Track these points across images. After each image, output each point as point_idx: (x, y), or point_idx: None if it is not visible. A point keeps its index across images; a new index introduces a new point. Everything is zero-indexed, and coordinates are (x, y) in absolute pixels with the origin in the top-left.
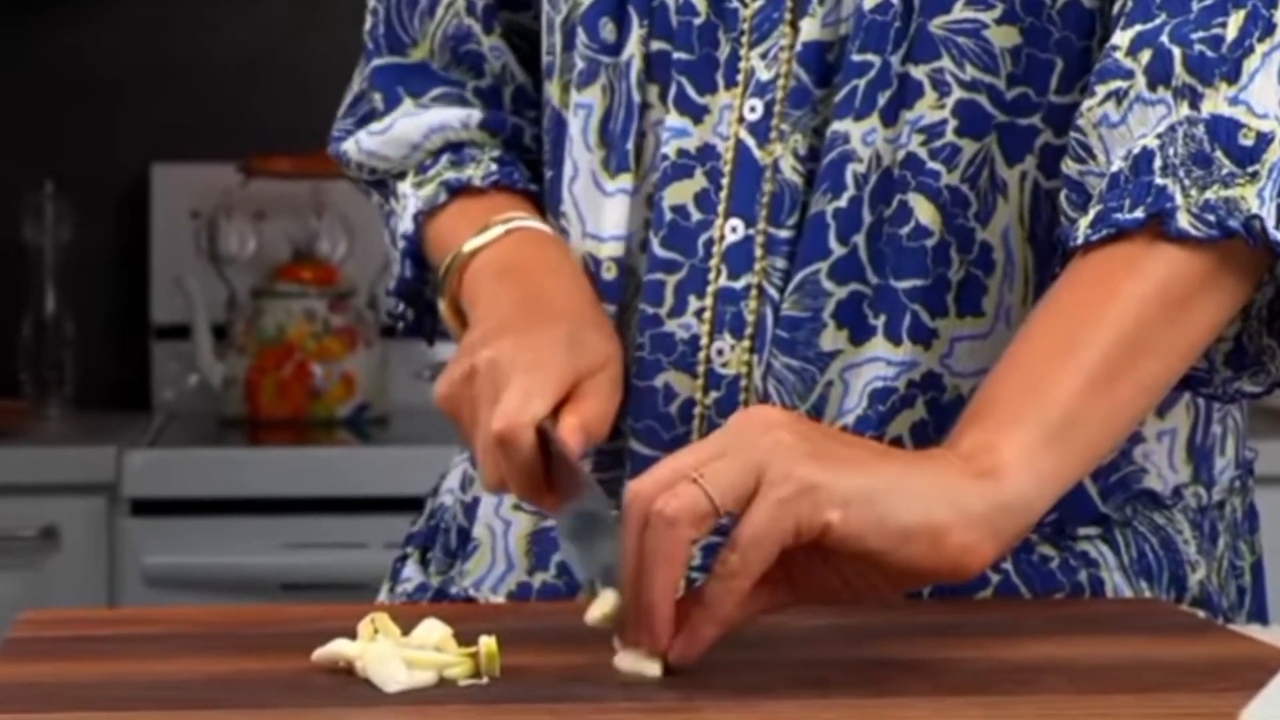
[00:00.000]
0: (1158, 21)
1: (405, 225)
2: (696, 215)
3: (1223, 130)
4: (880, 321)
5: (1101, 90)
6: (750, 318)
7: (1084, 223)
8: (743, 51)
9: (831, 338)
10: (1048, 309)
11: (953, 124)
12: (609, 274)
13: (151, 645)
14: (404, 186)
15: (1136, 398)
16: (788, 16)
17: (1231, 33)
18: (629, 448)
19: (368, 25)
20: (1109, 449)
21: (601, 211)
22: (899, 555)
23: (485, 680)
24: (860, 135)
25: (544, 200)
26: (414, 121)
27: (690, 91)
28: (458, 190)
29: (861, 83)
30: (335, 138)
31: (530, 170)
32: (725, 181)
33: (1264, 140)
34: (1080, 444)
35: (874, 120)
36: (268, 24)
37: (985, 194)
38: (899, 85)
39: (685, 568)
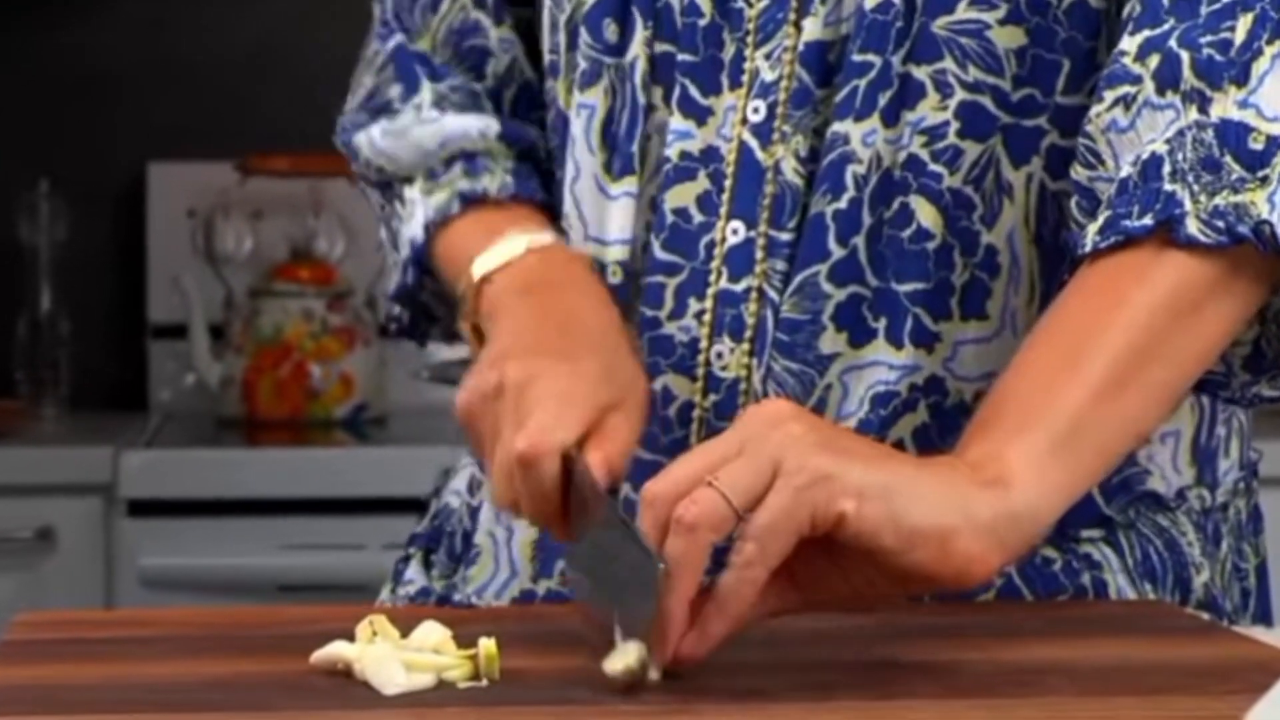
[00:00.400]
0: (1166, 26)
1: (414, 232)
2: (698, 217)
3: (1232, 134)
4: (881, 324)
5: (1110, 96)
6: (750, 320)
7: (1092, 229)
8: (748, 52)
9: (831, 340)
10: (1056, 317)
11: (955, 125)
12: (615, 278)
13: (148, 647)
14: (412, 192)
15: (1146, 406)
16: (792, 16)
17: (1240, 36)
18: None
19: (377, 11)
20: (1118, 458)
21: (606, 215)
22: (908, 558)
23: (484, 683)
24: (860, 136)
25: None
26: (430, 129)
27: (694, 93)
28: (472, 201)
29: (862, 83)
30: (345, 128)
31: (543, 179)
32: (728, 184)
33: (1274, 144)
34: (1089, 454)
35: (874, 121)
36: (265, 22)
37: (990, 196)
38: (900, 86)
39: (703, 573)
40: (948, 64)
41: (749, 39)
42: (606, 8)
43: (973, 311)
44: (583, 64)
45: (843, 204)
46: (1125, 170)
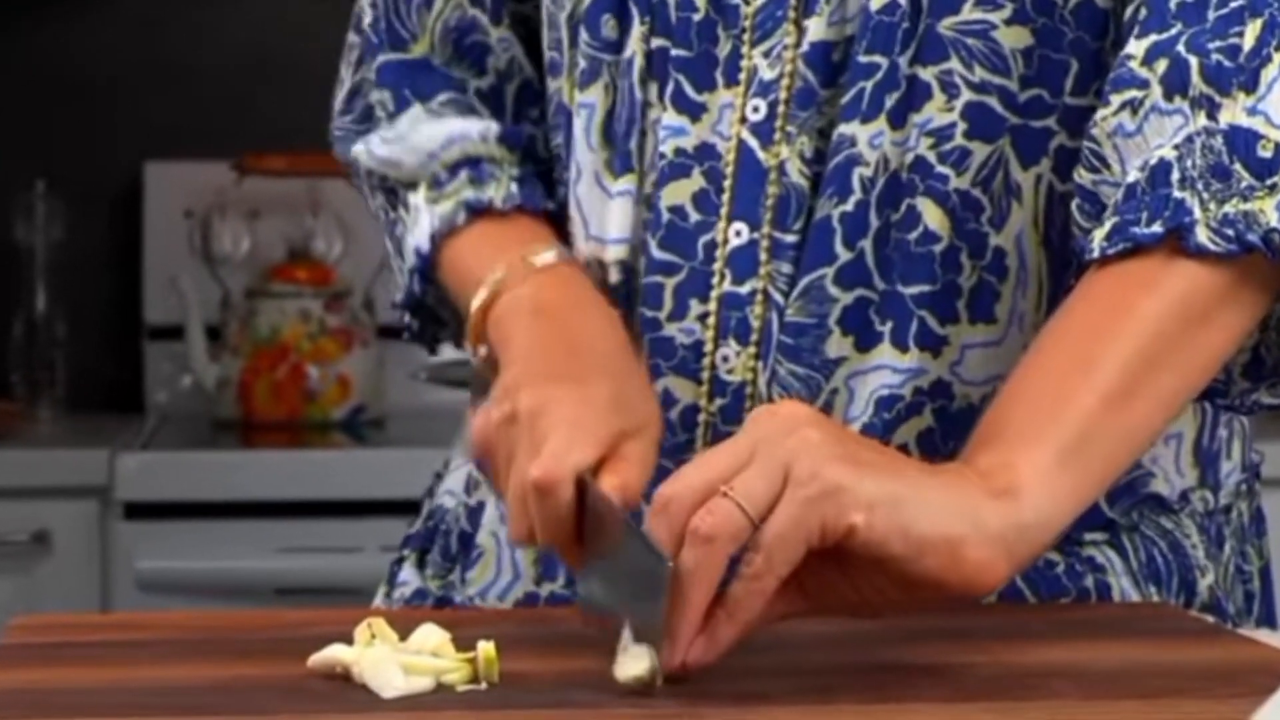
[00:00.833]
0: (1174, 30)
1: (420, 242)
2: (695, 216)
3: (1241, 141)
4: (887, 328)
5: (1116, 100)
6: (756, 323)
7: (1099, 235)
8: (744, 49)
9: (837, 344)
10: (1064, 324)
11: (962, 127)
12: (614, 278)
13: (145, 650)
14: (416, 198)
15: (1154, 414)
16: (792, 15)
17: (1249, 42)
18: None
19: (368, 19)
20: (1126, 465)
21: (605, 214)
22: (917, 566)
23: (483, 686)
24: (867, 138)
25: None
26: (430, 130)
27: (688, 89)
28: (478, 212)
29: (868, 85)
30: (338, 138)
31: (546, 182)
32: (727, 184)
33: None
34: (1098, 462)
35: (881, 123)
36: (262, 22)
37: (999, 198)
38: (907, 87)
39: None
40: (954, 65)
41: (745, 36)
42: (606, 4)
43: (980, 315)
44: (582, 62)
45: (849, 207)
46: (1132, 175)
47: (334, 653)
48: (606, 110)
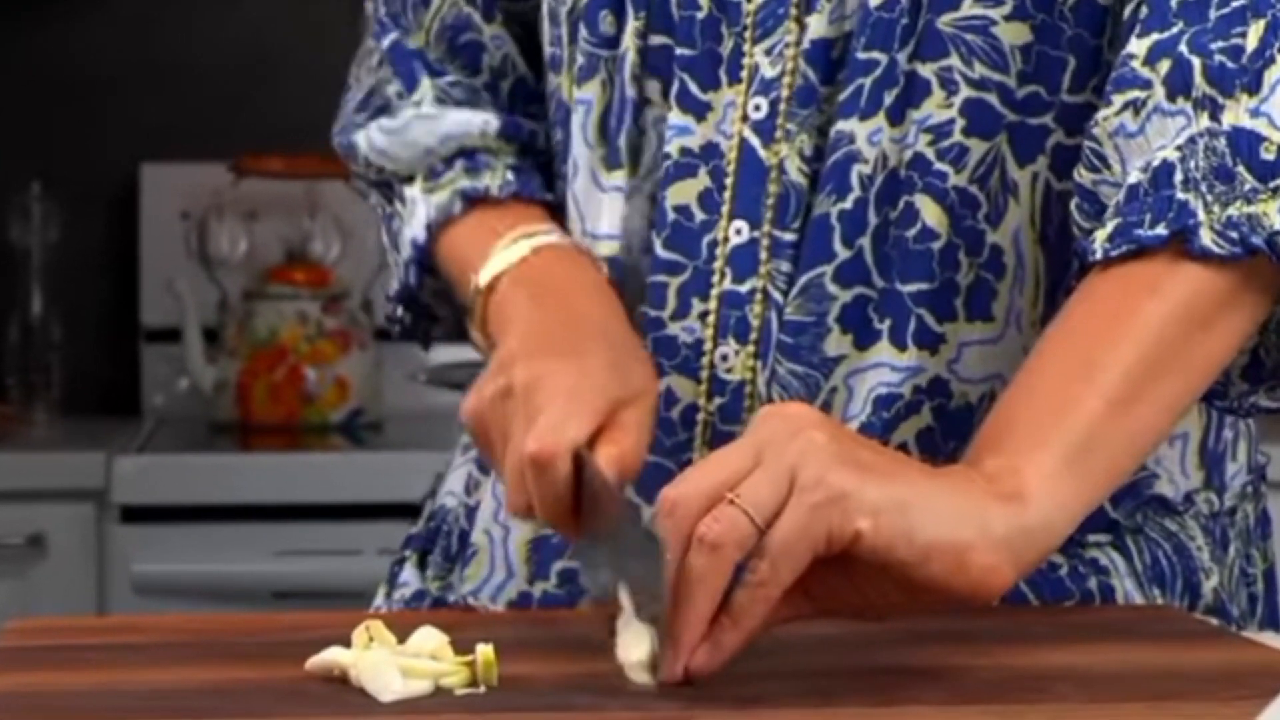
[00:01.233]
0: (1175, 30)
1: (416, 233)
2: (700, 216)
3: (1244, 143)
4: (885, 326)
5: (1118, 100)
6: (755, 322)
7: (1102, 236)
8: (746, 47)
9: (836, 343)
10: (1067, 326)
11: (961, 123)
12: (605, 274)
13: (142, 654)
14: (412, 191)
15: (1158, 418)
16: (793, 12)
17: (1252, 43)
18: None
19: (370, 8)
20: (1131, 469)
21: (599, 210)
22: (923, 571)
23: (482, 689)
24: (866, 135)
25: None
26: (429, 126)
27: (693, 88)
28: (474, 200)
29: (867, 81)
30: (343, 128)
31: (545, 175)
32: (729, 182)
33: None
34: (1102, 466)
35: (880, 120)
36: (258, 22)
37: (996, 195)
38: (906, 84)
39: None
40: (953, 61)
41: (747, 33)
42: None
43: (978, 313)
44: (581, 58)
45: (848, 204)
46: (1134, 176)
47: (332, 656)
48: (603, 106)
